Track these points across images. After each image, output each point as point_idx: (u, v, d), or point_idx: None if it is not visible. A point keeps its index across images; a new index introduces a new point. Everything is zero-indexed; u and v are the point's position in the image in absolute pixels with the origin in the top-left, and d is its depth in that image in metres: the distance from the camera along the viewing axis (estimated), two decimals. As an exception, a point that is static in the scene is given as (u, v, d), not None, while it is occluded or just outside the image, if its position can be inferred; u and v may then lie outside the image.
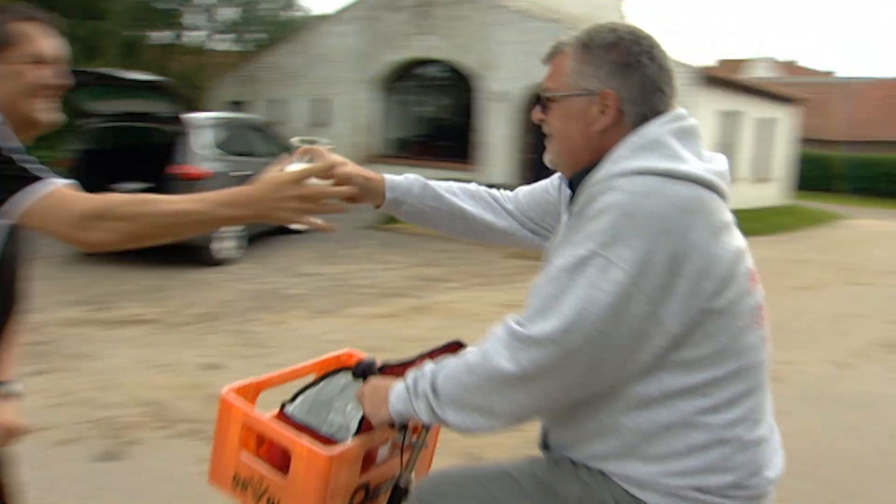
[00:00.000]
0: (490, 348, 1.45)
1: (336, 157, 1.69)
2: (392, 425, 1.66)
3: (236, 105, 24.70)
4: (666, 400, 1.45)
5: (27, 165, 1.55)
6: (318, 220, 1.59)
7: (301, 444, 1.69)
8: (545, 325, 1.39)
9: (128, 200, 1.53)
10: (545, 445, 1.66)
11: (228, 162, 9.70)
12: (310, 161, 1.63)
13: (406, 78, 22.47)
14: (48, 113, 1.82)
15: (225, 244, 9.53)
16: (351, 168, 1.79)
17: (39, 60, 1.77)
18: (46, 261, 9.27)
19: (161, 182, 9.09)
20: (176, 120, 9.10)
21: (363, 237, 12.35)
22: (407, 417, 1.60)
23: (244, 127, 11.00)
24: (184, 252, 9.29)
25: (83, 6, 26.67)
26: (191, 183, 8.91)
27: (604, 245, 1.38)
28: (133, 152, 10.52)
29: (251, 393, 1.97)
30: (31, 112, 1.78)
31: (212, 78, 29.01)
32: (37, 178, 1.53)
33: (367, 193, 1.87)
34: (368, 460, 1.83)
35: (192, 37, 32.64)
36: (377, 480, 1.87)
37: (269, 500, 1.78)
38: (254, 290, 8.21)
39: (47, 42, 1.80)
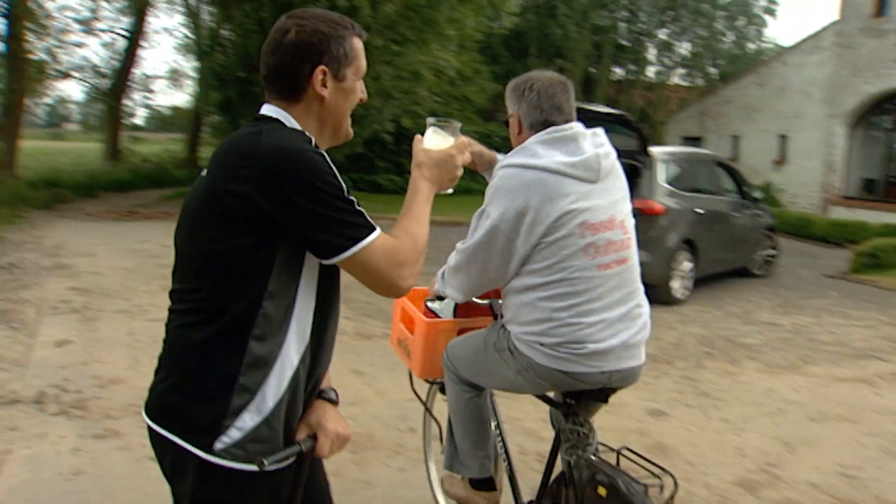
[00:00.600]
0: (452, 254, 2.64)
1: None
2: (437, 297, 3.01)
3: (690, 140, 24.31)
4: (525, 290, 2.50)
5: (361, 209, 1.68)
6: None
7: (419, 317, 3.07)
8: (464, 245, 2.58)
9: (407, 242, 1.75)
10: (499, 317, 2.77)
11: (688, 198, 9.37)
12: (441, 134, 2.04)
13: (882, 111, 20.24)
14: (351, 128, 1.90)
15: (676, 283, 9.21)
16: (476, 144, 2.71)
17: (361, 76, 1.85)
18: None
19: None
20: (640, 154, 8.98)
21: (826, 287, 11.15)
22: (439, 292, 2.83)
23: (702, 163, 10.56)
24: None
25: (553, 47, 28.35)
26: (650, 218, 8.73)
27: (487, 205, 2.51)
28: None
29: (418, 297, 3.24)
30: (348, 127, 1.88)
31: (666, 112, 28.99)
32: (373, 227, 1.68)
33: (485, 163, 2.89)
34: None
35: (648, 72, 33.01)
36: None
37: (407, 351, 3.20)
38: (704, 335, 7.72)
39: (365, 58, 1.86)
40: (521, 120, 2.63)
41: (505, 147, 2.71)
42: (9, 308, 7.42)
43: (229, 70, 17.41)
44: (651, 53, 33.88)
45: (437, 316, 3.13)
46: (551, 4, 29.19)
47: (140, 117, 45.12)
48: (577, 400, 2.68)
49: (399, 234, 1.75)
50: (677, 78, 34.38)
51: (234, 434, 1.65)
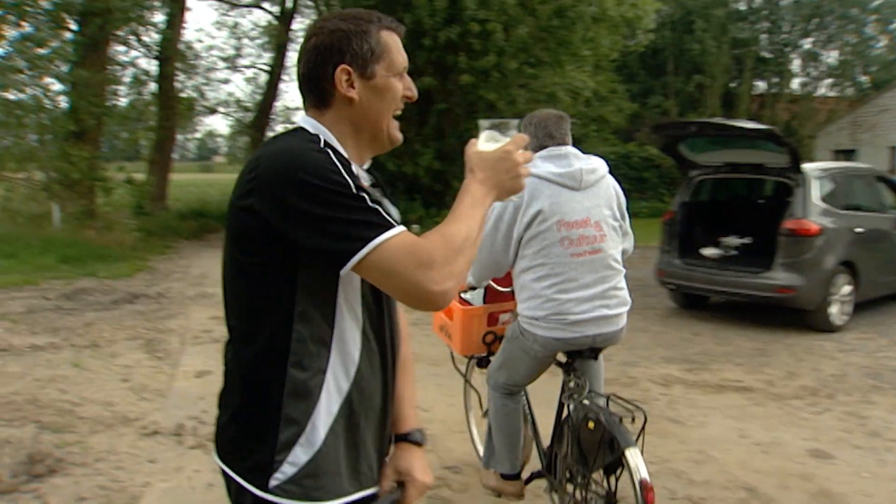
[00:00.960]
0: None
1: None
2: (470, 287, 3.70)
3: (842, 154, 23.01)
4: (522, 273, 3.34)
5: (376, 205, 1.47)
6: None
7: (457, 306, 3.84)
8: None
9: (435, 240, 1.48)
10: None
11: (845, 217, 8.69)
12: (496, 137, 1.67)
13: None
14: (397, 132, 1.71)
15: (835, 308, 8.54)
16: None
17: (400, 72, 1.68)
18: (644, 312, 9.30)
19: (767, 237, 8.50)
20: (791, 171, 8.42)
21: None
22: (469, 283, 3.59)
23: (860, 177, 9.81)
24: (792, 314, 8.55)
25: (691, 62, 27.60)
26: (804, 239, 8.14)
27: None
28: (737, 205, 10.14)
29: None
30: (390, 129, 1.70)
31: (814, 125, 27.63)
32: (390, 224, 1.46)
33: None
34: (493, 318, 3.87)
35: (793, 84, 31.57)
36: (500, 332, 3.81)
37: (448, 334, 4.00)
38: (869, 366, 7.05)
39: (403, 52, 1.70)
40: (531, 144, 3.39)
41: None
42: (155, 337, 7.64)
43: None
44: (795, 64, 32.38)
45: (470, 304, 3.96)
46: (688, 19, 28.38)
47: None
48: (574, 359, 3.47)
49: (428, 234, 1.52)
50: (824, 89, 32.69)
51: (287, 470, 1.55)
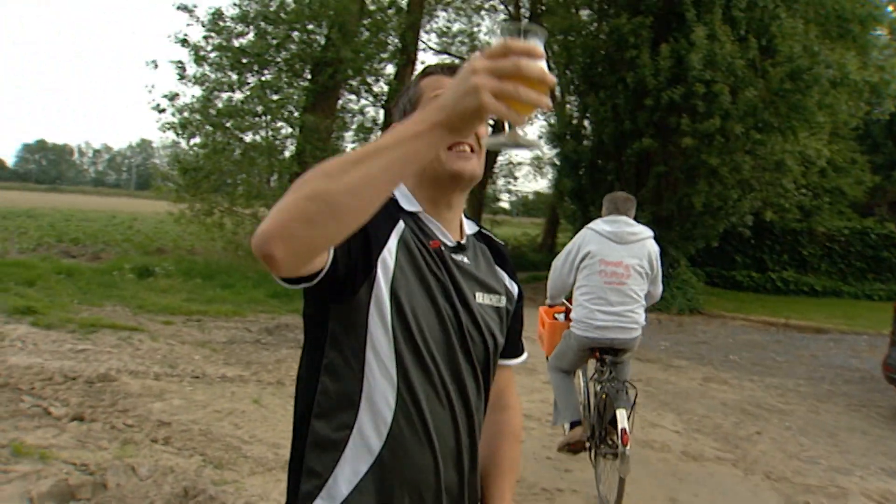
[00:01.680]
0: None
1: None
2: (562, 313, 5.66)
3: None
4: (575, 290, 5.13)
5: None
6: (516, 114, 1.15)
7: (547, 320, 5.72)
8: (554, 262, 5.33)
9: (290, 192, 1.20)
10: None
11: None
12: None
13: None
14: (460, 162, 1.64)
15: None
16: None
17: None
18: (865, 411, 8.27)
19: None
20: None
21: None
22: (547, 303, 5.63)
23: None
24: None
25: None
26: None
27: (570, 243, 5.27)
28: None
29: (550, 312, 5.71)
30: (447, 164, 1.64)
31: None
32: None
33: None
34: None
35: None
36: None
37: (542, 340, 5.89)
38: None
39: (443, 87, 1.64)
40: (602, 212, 5.17)
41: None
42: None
43: (583, 157, 17.45)
44: None
45: (556, 320, 5.61)
46: (948, 87, 25.95)
47: (505, 201, 47.79)
48: (601, 354, 5.05)
49: None
50: None
51: None
